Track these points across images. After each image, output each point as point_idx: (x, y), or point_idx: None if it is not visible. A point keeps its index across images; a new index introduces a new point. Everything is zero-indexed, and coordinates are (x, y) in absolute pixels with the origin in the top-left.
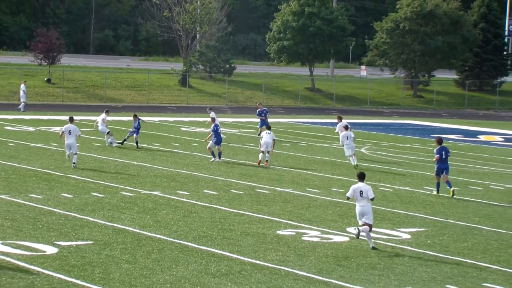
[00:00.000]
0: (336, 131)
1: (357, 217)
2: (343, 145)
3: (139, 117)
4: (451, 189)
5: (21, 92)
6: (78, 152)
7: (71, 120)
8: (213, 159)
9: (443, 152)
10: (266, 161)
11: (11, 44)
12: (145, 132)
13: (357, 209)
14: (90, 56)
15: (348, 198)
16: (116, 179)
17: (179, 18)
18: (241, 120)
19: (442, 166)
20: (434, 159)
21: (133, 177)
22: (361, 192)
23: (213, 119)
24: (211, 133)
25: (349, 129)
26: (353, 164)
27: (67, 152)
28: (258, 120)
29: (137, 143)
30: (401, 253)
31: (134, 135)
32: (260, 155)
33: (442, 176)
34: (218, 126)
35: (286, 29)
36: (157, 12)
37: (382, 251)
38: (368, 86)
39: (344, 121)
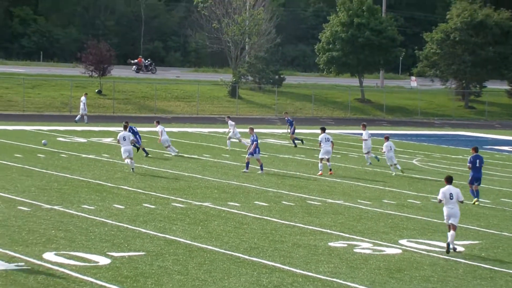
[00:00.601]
0: (364, 138)
1: (445, 219)
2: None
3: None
4: (475, 198)
5: (81, 104)
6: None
7: (125, 127)
8: (245, 170)
9: (477, 161)
10: (330, 169)
11: (62, 56)
12: (195, 143)
13: (445, 211)
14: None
15: (440, 201)
16: (167, 190)
17: (228, 29)
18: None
19: (476, 175)
20: (468, 168)
21: (184, 188)
22: (450, 195)
23: (252, 129)
24: (254, 143)
25: (389, 140)
26: (393, 173)
27: (125, 155)
28: (306, 131)
29: (143, 149)
30: (455, 266)
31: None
32: (320, 165)
33: (474, 185)
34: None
35: (335, 40)
36: (206, 24)
37: (435, 264)
38: (418, 97)
39: (369, 131)
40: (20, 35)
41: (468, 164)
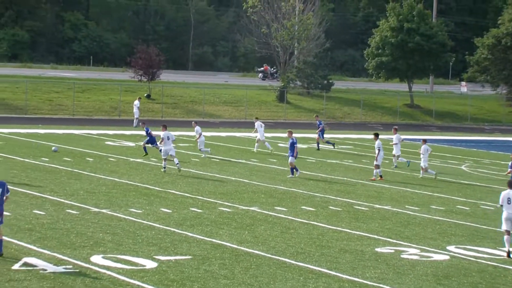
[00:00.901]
0: (394, 142)
1: (503, 223)
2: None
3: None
4: None
5: (135, 108)
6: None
7: (165, 127)
8: (291, 175)
9: None
10: (381, 176)
11: (112, 61)
12: (243, 148)
13: (504, 215)
14: (188, 72)
15: (501, 206)
16: (214, 195)
17: (277, 34)
18: (339, 136)
19: None
20: (506, 173)
21: (231, 192)
22: (508, 199)
23: (290, 132)
24: (294, 146)
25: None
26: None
27: (165, 155)
28: (354, 136)
29: (144, 148)
30: (504, 273)
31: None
32: (376, 171)
33: None
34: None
35: (385, 45)
36: (255, 29)
37: (484, 271)
38: (468, 102)
39: (400, 135)
40: (70, 40)
41: (509, 169)
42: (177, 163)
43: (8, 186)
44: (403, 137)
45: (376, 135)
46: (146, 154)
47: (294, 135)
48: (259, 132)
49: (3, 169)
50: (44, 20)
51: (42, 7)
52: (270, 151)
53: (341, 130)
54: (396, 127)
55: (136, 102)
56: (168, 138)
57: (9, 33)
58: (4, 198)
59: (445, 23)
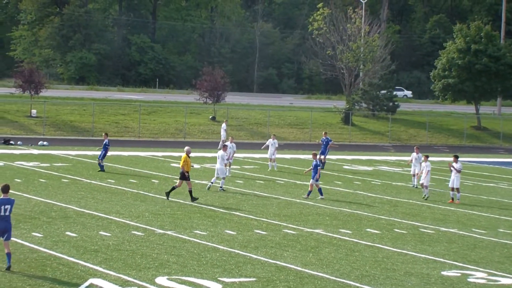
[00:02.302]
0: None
1: None
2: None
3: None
4: None
5: (222, 131)
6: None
7: (225, 147)
8: (320, 196)
9: None
10: (458, 199)
11: (177, 83)
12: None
13: None
14: (253, 94)
15: None
16: (279, 217)
17: (343, 56)
18: (404, 158)
19: None
20: None
21: (296, 214)
22: None
23: (315, 155)
24: (317, 168)
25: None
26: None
27: (215, 177)
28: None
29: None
30: None
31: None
32: (451, 193)
33: None
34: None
35: (451, 67)
36: (320, 51)
37: None
38: None
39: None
40: (137, 63)
41: None
42: (221, 185)
43: (75, 208)
44: (471, 160)
45: (456, 157)
46: (103, 170)
47: (356, 157)
48: (270, 150)
49: (70, 191)
50: (111, 43)
51: (110, 30)
52: (268, 170)
53: (406, 152)
54: (427, 155)
55: (224, 125)
56: (219, 157)
57: (77, 56)
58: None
59: None
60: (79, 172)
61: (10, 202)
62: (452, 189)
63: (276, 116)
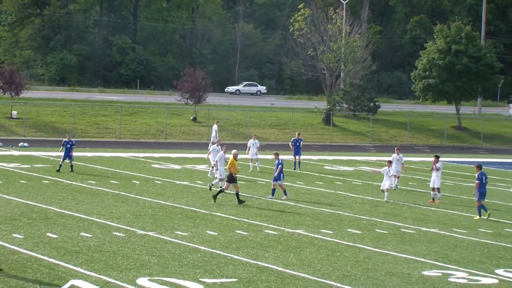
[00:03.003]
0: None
1: None
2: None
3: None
4: (487, 212)
5: (213, 132)
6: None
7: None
8: (284, 197)
9: (483, 177)
10: (439, 199)
11: (158, 84)
12: (289, 171)
13: None
14: (234, 95)
15: None
16: (260, 217)
17: (324, 56)
18: (385, 158)
19: (483, 191)
20: (476, 184)
21: (277, 215)
22: None
23: (277, 154)
24: (279, 167)
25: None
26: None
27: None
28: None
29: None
30: None
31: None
32: (432, 193)
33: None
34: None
35: (432, 67)
36: (301, 51)
37: None
38: None
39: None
40: (118, 64)
41: (477, 182)
42: (212, 184)
43: (56, 209)
44: (451, 160)
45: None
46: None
47: (337, 157)
48: (251, 150)
49: (51, 192)
50: (92, 44)
51: (90, 31)
52: (250, 171)
53: (387, 152)
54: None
55: (215, 126)
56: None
57: (57, 57)
58: None
59: (494, 45)
60: (59, 173)
61: None
62: (433, 189)
63: (257, 116)
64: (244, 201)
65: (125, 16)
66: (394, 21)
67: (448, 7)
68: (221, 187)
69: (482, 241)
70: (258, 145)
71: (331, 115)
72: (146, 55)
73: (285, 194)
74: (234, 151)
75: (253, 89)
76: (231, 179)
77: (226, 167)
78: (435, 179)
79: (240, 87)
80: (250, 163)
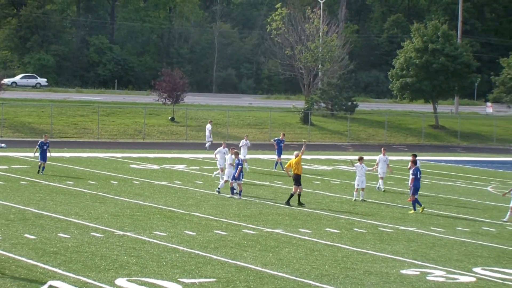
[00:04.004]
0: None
1: None
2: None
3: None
4: (422, 206)
5: (207, 132)
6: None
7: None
8: (230, 195)
9: (418, 173)
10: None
11: (136, 84)
12: (267, 170)
13: None
14: (213, 94)
15: None
16: (238, 217)
17: (301, 56)
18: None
19: (418, 186)
20: (410, 180)
21: (255, 215)
22: None
23: (237, 153)
24: (239, 167)
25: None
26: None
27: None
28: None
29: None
30: None
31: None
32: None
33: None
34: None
35: (409, 66)
36: (279, 51)
37: None
38: (494, 123)
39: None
40: (95, 64)
41: (411, 177)
42: (219, 188)
43: (34, 210)
44: (429, 158)
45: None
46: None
47: (315, 156)
48: (242, 150)
49: (29, 193)
50: (70, 44)
51: (68, 31)
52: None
53: (365, 151)
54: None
55: (208, 126)
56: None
57: (34, 57)
58: None
59: (470, 44)
60: (37, 174)
61: None
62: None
63: (235, 116)
64: (303, 204)
65: (103, 16)
66: (371, 20)
67: (424, 6)
68: (234, 189)
69: (459, 240)
70: (249, 145)
71: (309, 114)
72: (124, 55)
73: (240, 194)
74: (296, 152)
75: (31, 81)
76: (298, 180)
77: (286, 169)
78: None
79: (17, 79)
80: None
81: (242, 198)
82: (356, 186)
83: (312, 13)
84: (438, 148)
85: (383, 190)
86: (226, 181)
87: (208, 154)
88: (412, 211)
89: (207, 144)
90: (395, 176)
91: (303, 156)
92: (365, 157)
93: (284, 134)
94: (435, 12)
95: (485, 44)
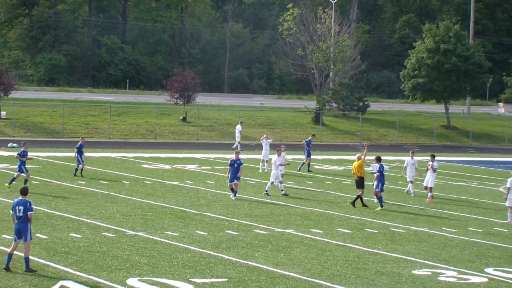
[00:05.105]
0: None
1: None
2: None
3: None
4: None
5: (237, 132)
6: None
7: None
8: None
9: (383, 169)
10: (429, 198)
11: (148, 84)
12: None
13: None
14: (224, 94)
15: None
16: (250, 217)
17: (313, 56)
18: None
19: (383, 182)
20: (375, 177)
21: (267, 215)
22: None
23: (238, 153)
24: (240, 167)
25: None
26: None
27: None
28: (390, 158)
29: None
30: None
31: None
32: (426, 192)
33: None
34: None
35: (421, 66)
36: (290, 51)
37: None
38: (506, 123)
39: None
40: (107, 64)
41: (377, 173)
42: (281, 190)
43: (46, 210)
44: (442, 159)
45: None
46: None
47: (327, 156)
48: (264, 151)
49: (41, 193)
50: (81, 44)
51: (79, 31)
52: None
53: (377, 152)
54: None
55: (238, 126)
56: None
57: (46, 57)
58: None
59: (482, 44)
60: (49, 173)
61: (23, 203)
62: (426, 188)
63: (247, 116)
64: (367, 206)
65: (114, 16)
66: (383, 20)
67: (436, 6)
68: (282, 191)
69: (471, 240)
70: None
71: (321, 114)
72: (135, 55)
73: (234, 194)
74: (358, 155)
75: None
76: (362, 182)
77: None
78: (429, 179)
79: None
80: (262, 164)
81: (252, 198)
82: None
83: (324, 13)
84: (449, 149)
85: (412, 194)
86: (272, 183)
87: (218, 154)
88: (379, 208)
89: (236, 145)
90: (407, 176)
91: (313, 157)
92: (383, 158)
93: (313, 135)
94: (447, 13)
95: (497, 44)
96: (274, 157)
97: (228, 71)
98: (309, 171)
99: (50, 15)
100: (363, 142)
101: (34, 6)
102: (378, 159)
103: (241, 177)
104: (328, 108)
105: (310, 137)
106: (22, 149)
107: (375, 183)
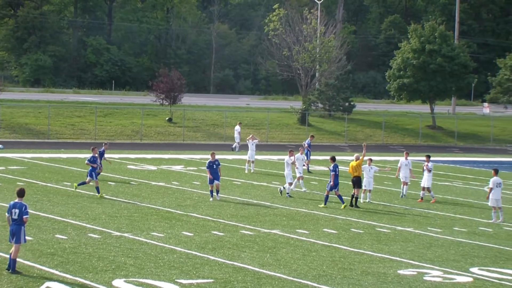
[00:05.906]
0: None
1: None
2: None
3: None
4: (344, 204)
5: (236, 133)
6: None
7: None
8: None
9: (337, 169)
10: (433, 198)
11: (133, 85)
12: (265, 171)
13: None
14: (210, 95)
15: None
16: (236, 218)
17: (299, 57)
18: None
19: (337, 182)
20: (331, 176)
21: (253, 215)
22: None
23: (213, 154)
24: (218, 167)
25: None
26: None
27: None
28: (376, 158)
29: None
30: None
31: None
32: (421, 192)
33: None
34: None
35: (406, 67)
36: (276, 51)
37: None
38: (491, 123)
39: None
40: (93, 64)
41: (332, 173)
42: (288, 189)
43: (31, 211)
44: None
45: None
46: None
47: (313, 157)
48: (250, 151)
49: (26, 194)
50: (67, 45)
51: (65, 32)
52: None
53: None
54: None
55: (237, 127)
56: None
57: (31, 58)
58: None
59: (467, 44)
60: (34, 175)
61: (19, 207)
62: (423, 188)
63: (233, 117)
64: (359, 207)
65: (100, 17)
66: (369, 21)
67: (422, 7)
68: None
69: (456, 240)
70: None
71: (307, 115)
72: (121, 55)
73: (217, 193)
74: (356, 155)
75: None
76: (357, 183)
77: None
78: (426, 179)
79: None
80: (250, 165)
81: (238, 198)
82: (363, 188)
83: (310, 14)
84: (435, 149)
85: (403, 196)
86: (290, 183)
87: (203, 154)
88: (343, 205)
89: (234, 145)
90: (392, 176)
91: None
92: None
93: (312, 136)
94: (432, 13)
95: (482, 44)
96: (285, 158)
97: (214, 71)
98: (309, 172)
99: (35, 16)
100: (363, 142)
101: (19, 6)
102: (333, 159)
103: (227, 178)
104: (314, 108)
105: (309, 138)
106: (101, 150)
107: (329, 182)
